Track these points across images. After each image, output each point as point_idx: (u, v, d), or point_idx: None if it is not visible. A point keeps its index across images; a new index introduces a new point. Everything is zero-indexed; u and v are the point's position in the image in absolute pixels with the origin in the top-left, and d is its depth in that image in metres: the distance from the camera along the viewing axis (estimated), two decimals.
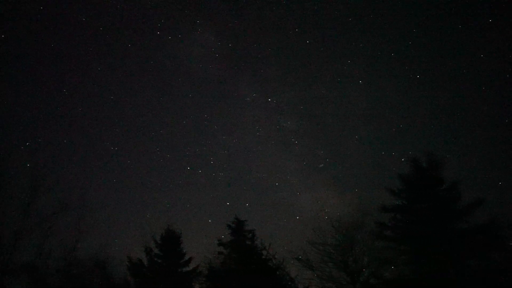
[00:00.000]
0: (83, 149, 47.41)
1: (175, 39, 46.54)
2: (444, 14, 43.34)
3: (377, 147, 46.01)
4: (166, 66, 48.76)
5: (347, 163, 46.75)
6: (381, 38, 45.05)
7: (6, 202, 29.61)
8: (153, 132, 47.52)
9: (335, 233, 32.06)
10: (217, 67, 47.87)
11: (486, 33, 42.17)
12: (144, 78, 48.70)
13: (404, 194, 29.61)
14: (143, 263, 31.71)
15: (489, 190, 40.31)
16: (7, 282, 28.53)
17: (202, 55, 47.98)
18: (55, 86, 48.83)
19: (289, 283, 31.89)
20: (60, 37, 47.48)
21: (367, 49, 44.91)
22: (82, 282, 30.66)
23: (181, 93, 48.56)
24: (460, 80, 43.62)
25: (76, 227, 30.70)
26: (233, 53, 46.96)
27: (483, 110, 43.07)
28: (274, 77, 47.51)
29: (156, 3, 46.37)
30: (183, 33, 46.88)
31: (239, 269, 30.45)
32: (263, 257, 31.08)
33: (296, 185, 46.45)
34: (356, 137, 46.00)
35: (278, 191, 45.34)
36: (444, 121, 44.58)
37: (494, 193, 37.34)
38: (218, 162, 46.96)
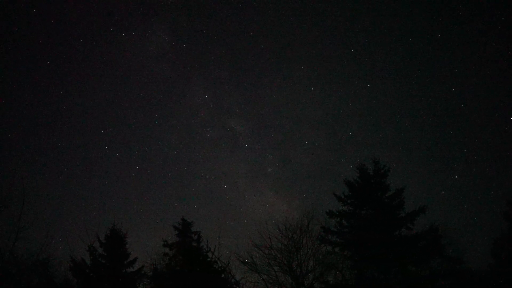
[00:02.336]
0: (29, 145, 45.93)
1: (128, 37, 45.82)
2: (392, 19, 44.34)
3: (326, 153, 46.64)
4: (117, 64, 47.89)
5: (296, 168, 47.19)
6: (334, 45, 45.72)
7: None
8: (102, 129, 46.60)
9: (281, 237, 32.23)
10: (170, 66, 47.42)
11: (432, 45, 43.42)
12: (94, 75, 47.66)
13: (350, 200, 30.16)
14: (85, 263, 30.94)
15: (431, 199, 41.62)
16: None
17: (155, 53, 47.43)
18: None
19: (234, 286, 31.86)
20: (6, 29, 45.88)
21: (319, 56, 45.48)
22: (19, 281, 29.65)
23: (132, 92, 47.87)
24: (409, 89, 44.71)
25: (16, 224, 29.60)
26: (186, 53, 46.60)
27: (432, 120, 44.28)
28: (227, 80, 47.42)
29: None
30: (137, 31, 46.21)
31: (184, 270, 30.15)
32: (209, 259, 30.88)
33: (244, 188, 46.54)
34: (306, 142, 46.54)
35: (226, 193, 45.33)
36: (393, 130, 45.61)
37: (437, 202, 38.49)
38: (167, 162, 46.45)
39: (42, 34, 45.88)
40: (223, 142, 47.53)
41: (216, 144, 47.46)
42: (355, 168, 30.62)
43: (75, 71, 47.86)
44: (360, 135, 45.77)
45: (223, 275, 31.52)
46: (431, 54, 44.06)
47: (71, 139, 47.37)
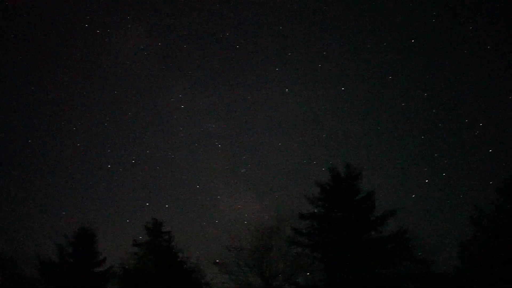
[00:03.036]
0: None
1: (104, 33, 45.33)
2: (364, 22, 44.83)
3: (299, 155, 46.85)
4: (92, 61, 47.29)
5: (269, 169, 47.25)
6: (308, 47, 45.92)
7: None
8: (74, 127, 45.93)
9: (251, 238, 32.30)
10: (145, 65, 47.04)
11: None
12: (67, 71, 47.01)
13: (322, 202, 30.28)
14: (53, 261, 30.54)
15: (402, 202, 42.18)
16: None
17: (131, 51, 46.96)
18: None
19: (204, 287, 31.79)
20: None
21: (294, 58, 45.74)
22: None
23: (106, 89, 47.31)
24: (382, 93, 45.26)
25: None
26: (162, 53, 46.32)
27: (403, 124, 44.89)
28: (202, 80, 47.30)
29: None
30: (113, 28, 45.74)
31: (153, 270, 30.02)
32: (179, 259, 30.83)
33: (217, 188, 46.40)
34: (279, 144, 46.55)
35: (198, 193, 45.06)
36: (365, 133, 46.07)
37: (407, 205, 38.95)
38: (140, 161, 46.01)
39: (14, 29, 45.14)
40: (196, 142, 47.34)
41: (189, 144, 47.26)
42: (327, 170, 30.79)
43: (47, 67, 47.16)
44: (333, 137, 46.05)
45: (193, 275, 31.49)
46: (402, 58, 44.65)
47: (41, 136, 46.73)
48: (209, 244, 32.84)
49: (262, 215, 34.19)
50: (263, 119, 47.19)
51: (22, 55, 45.98)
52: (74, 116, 46.81)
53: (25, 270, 31.43)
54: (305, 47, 45.55)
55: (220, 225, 38.53)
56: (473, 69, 43.47)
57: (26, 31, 45.89)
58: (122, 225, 40.75)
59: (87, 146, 45.76)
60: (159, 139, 47.27)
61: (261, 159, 47.35)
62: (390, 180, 43.49)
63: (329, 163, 32.81)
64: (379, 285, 28.09)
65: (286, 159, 46.41)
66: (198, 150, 47.21)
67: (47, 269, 30.33)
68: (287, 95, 45.82)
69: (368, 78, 45.75)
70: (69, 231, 31.06)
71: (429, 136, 43.99)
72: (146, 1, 44.97)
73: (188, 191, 45.41)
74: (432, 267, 30.27)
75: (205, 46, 46.50)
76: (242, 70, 47.03)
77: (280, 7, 44.31)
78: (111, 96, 47.12)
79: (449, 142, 43.61)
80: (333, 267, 29.91)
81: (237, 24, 45.76)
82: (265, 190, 46.52)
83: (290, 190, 43.06)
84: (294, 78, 46.18)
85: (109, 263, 31.30)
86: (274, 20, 45.05)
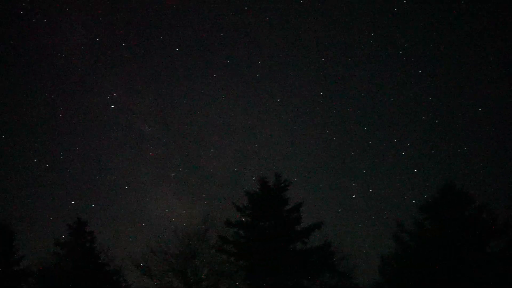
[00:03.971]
0: None
1: (39, 23, 43.70)
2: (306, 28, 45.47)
3: (231, 163, 46.75)
4: (23, 52, 45.45)
5: (200, 175, 46.86)
6: (245, 54, 46.01)
7: None
8: None
9: (178, 243, 31.96)
10: (81, 59, 45.62)
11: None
12: None
13: (249, 211, 30.46)
14: None
15: (328, 215, 43.07)
16: None
17: (66, 45, 45.39)
18: None
19: None
20: None
21: (231, 65, 45.75)
22: None
23: (36, 81, 45.57)
24: (314, 108, 45.98)
25: None
26: (100, 49, 45.07)
27: (334, 139, 45.72)
28: (139, 80, 46.42)
29: None
30: (49, 18, 44.14)
31: (73, 271, 29.28)
32: (100, 260, 30.18)
33: (146, 191, 45.60)
34: (212, 150, 46.36)
35: (127, 195, 44.11)
36: (296, 145, 46.61)
37: (334, 219, 39.78)
38: (68, 158, 44.59)
39: None
40: (128, 143, 46.39)
41: (120, 143, 46.20)
42: (257, 180, 30.97)
43: None
44: (265, 147, 46.37)
45: (114, 278, 30.89)
46: (335, 73, 45.61)
47: None
48: (134, 247, 32.35)
49: (190, 220, 33.85)
50: (197, 124, 46.80)
51: None
52: None
53: None
54: (243, 54, 45.64)
55: (147, 228, 38.05)
56: (402, 90, 44.95)
57: None
58: (45, 223, 39.47)
59: (12, 139, 43.94)
60: (90, 137, 45.96)
61: (192, 165, 47.02)
62: (319, 193, 44.26)
63: (260, 173, 33.01)
64: None
65: (217, 166, 46.23)
66: (130, 151, 46.32)
67: None
68: (223, 101, 45.78)
69: (301, 91, 46.38)
70: None
71: (359, 153, 45.05)
72: None
73: (117, 192, 44.44)
74: (353, 280, 30.94)
75: (145, 47, 45.79)
76: (180, 74, 46.57)
77: (220, 11, 44.25)
78: (41, 89, 45.48)
79: (378, 160, 44.80)
80: (257, 277, 30.04)
81: (178, 26, 45.36)
82: (195, 195, 46.16)
83: (220, 197, 43.09)
84: (231, 85, 46.18)
85: (28, 262, 30.31)
86: (215, 25, 44.99)
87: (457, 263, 27.43)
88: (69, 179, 43.96)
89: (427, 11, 43.33)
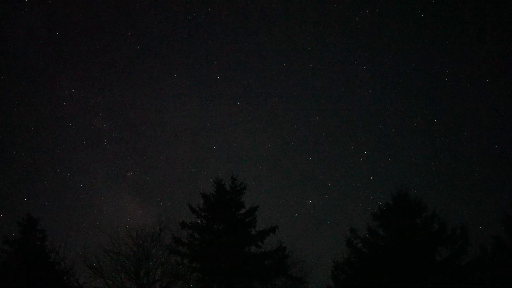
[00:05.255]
0: None
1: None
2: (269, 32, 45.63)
3: (188, 164, 46.70)
4: None
5: (157, 175, 46.66)
6: (206, 56, 46.04)
7: None
8: None
9: (131, 244, 31.52)
10: (38, 53, 44.79)
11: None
12: None
13: (204, 213, 30.44)
14: None
15: (284, 220, 43.43)
16: None
17: (23, 36, 44.43)
18: None
19: None
20: None
21: (192, 66, 45.69)
22: None
23: None
24: (273, 112, 46.29)
25: None
26: (58, 43, 44.33)
27: (291, 143, 46.11)
28: (97, 77, 45.88)
29: None
30: (5, 8, 43.08)
31: (22, 270, 28.59)
32: (51, 260, 29.58)
33: (101, 189, 45.07)
34: (169, 151, 46.28)
35: (81, 192, 43.50)
36: (254, 148, 46.83)
37: (289, 223, 40.17)
38: (21, 153, 43.58)
39: None
40: (84, 140, 45.73)
41: (76, 140, 45.53)
42: (213, 182, 30.92)
43: None
44: (223, 150, 46.55)
45: (65, 278, 30.33)
46: (295, 82, 46.01)
47: None
48: (87, 246, 31.69)
49: (145, 220, 33.61)
50: (156, 124, 46.73)
51: None
52: None
53: None
54: (203, 56, 45.66)
55: (100, 227, 37.49)
56: (360, 98, 45.73)
57: None
58: None
59: None
60: (45, 132, 45.11)
61: (149, 164, 46.76)
62: (275, 197, 44.62)
63: (217, 175, 32.95)
64: None
65: (174, 166, 46.20)
66: (85, 148, 45.79)
67: None
68: (183, 102, 45.69)
69: (260, 95, 46.73)
70: None
71: (316, 158, 45.62)
72: None
73: (71, 189, 43.80)
74: (307, 285, 31.18)
75: (104, 43, 45.30)
76: (139, 72, 46.31)
77: (185, 12, 44.15)
78: None
79: (334, 166, 45.45)
80: (211, 279, 30.05)
81: (139, 25, 45.07)
82: (150, 196, 45.98)
83: (175, 198, 42.91)
84: (191, 86, 46.16)
85: None
86: (177, 25, 44.85)
87: (408, 270, 27.84)
88: (21, 175, 43.12)
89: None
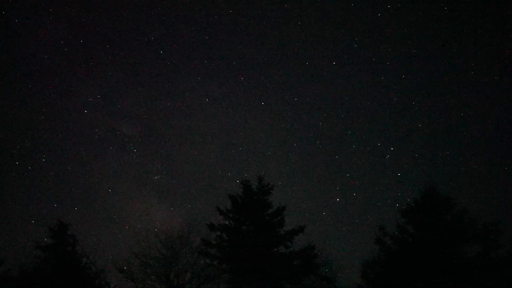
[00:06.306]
0: None
1: (22, 24, 43.35)
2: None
3: (214, 166, 46.79)
4: (6, 52, 44.89)
5: (183, 178, 46.72)
6: (229, 59, 45.96)
7: None
8: None
9: (160, 246, 31.79)
10: (64, 61, 45.23)
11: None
12: None
13: (232, 214, 30.50)
14: None
15: (312, 219, 43.26)
16: None
17: (49, 45, 44.99)
18: None
19: None
20: None
21: (215, 69, 45.77)
22: None
23: (18, 82, 45.11)
24: (297, 111, 46.20)
25: None
26: (83, 50, 44.76)
27: (317, 143, 45.89)
28: (121, 82, 46.25)
29: None
30: (32, 19, 43.75)
31: (54, 275, 28.96)
32: (82, 264, 29.93)
33: (129, 194, 45.36)
34: (195, 153, 46.34)
35: (109, 197, 43.89)
36: (280, 149, 46.73)
37: (317, 222, 39.98)
38: (50, 160, 44.10)
39: None
40: (111, 145, 45.99)
41: (103, 146, 45.82)
42: (240, 183, 30.98)
43: None
44: (249, 151, 46.48)
45: (96, 282, 30.65)
46: (316, 78, 45.86)
47: None
48: (117, 250, 32.11)
49: (173, 223, 33.80)
50: (180, 127, 46.88)
51: None
52: None
53: None
54: (227, 56, 45.69)
55: (129, 231, 37.77)
56: (386, 95, 45.38)
57: None
58: (26, 226, 39.05)
59: None
60: (73, 139, 45.57)
61: (175, 168, 46.93)
62: (302, 196, 44.42)
63: (244, 176, 33.00)
64: None
65: (201, 169, 46.25)
66: (112, 153, 46.00)
67: None
68: (207, 104, 45.89)
69: (285, 94, 46.64)
70: None
71: (343, 156, 45.33)
72: None
73: (99, 194, 44.13)
74: (336, 284, 31.07)
75: (128, 48, 45.65)
76: (164, 76, 46.47)
77: (205, 14, 44.29)
78: (24, 90, 45.01)
79: (361, 164, 45.12)
80: (240, 280, 30.07)
81: (162, 29, 45.33)
82: (178, 199, 46.10)
83: (203, 200, 43.08)
84: (214, 89, 46.30)
85: (7, 266, 29.94)
86: (200, 28, 44.99)
87: (438, 267, 27.59)
88: (51, 182, 43.56)
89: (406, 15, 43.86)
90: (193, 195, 44.85)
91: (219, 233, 30.52)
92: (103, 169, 45.78)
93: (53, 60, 45.04)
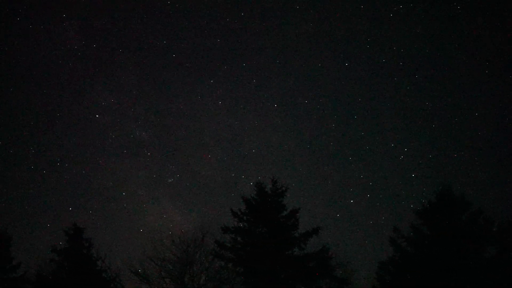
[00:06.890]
0: None
1: (36, 30, 43.84)
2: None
3: (228, 168, 46.91)
4: (20, 56, 45.45)
5: (197, 180, 46.93)
6: (241, 61, 46.10)
7: None
8: None
9: (175, 249, 31.94)
10: (77, 65, 45.74)
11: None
12: None
13: (246, 217, 30.44)
14: None
15: (326, 220, 43.23)
16: None
17: (63, 50, 45.48)
18: None
19: None
20: None
21: (228, 71, 45.94)
22: None
23: (33, 87, 45.60)
24: (311, 112, 46.15)
25: None
26: (96, 55, 45.20)
27: (330, 145, 45.89)
28: (135, 86, 46.64)
29: None
30: (46, 24, 44.28)
31: (70, 278, 29.18)
32: (98, 268, 30.10)
33: (143, 197, 45.67)
34: (209, 156, 46.61)
35: (123, 201, 44.20)
36: (294, 151, 46.77)
37: (331, 224, 39.91)
38: (65, 164, 44.54)
39: None
40: (125, 149, 46.37)
41: (118, 150, 46.23)
42: (254, 185, 30.96)
43: None
44: (263, 153, 46.57)
45: (112, 285, 30.82)
46: (331, 81, 45.80)
47: None
48: (132, 253, 32.29)
49: (188, 226, 33.97)
50: (194, 130, 47.10)
51: None
52: None
53: None
54: (240, 60, 45.85)
55: (144, 234, 37.95)
56: (399, 95, 45.25)
57: None
58: (41, 230, 39.44)
59: (9, 145, 43.92)
60: (87, 142, 45.99)
61: (189, 171, 47.12)
62: (316, 198, 44.37)
63: (257, 178, 33.00)
64: None
65: (214, 172, 46.44)
66: (127, 156, 46.38)
67: None
68: (220, 107, 46.10)
69: (298, 96, 46.67)
70: None
71: (356, 158, 45.25)
72: (82, 1, 43.92)
73: (113, 198, 44.45)
74: (351, 286, 30.96)
75: (140, 53, 45.96)
76: (176, 80, 46.80)
77: (216, 18, 44.49)
78: (39, 94, 45.56)
79: (375, 165, 44.98)
80: (255, 282, 30.02)
81: (174, 33, 45.59)
82: (192, 201, 46.34)
83: (217, 203, 43.20)
84: (227, 91, 46.46)
85: (24, 269, 30.24)
86: (211, 33, 45.19)
87: (454, 268, 27.39)
88: (66, 185, 43.98)
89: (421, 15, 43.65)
90: (207, 198, 45.12)
91: (233, 236, 30.46)
92: (117, 173, 46.16)
93: (67, 65, 45.55)
